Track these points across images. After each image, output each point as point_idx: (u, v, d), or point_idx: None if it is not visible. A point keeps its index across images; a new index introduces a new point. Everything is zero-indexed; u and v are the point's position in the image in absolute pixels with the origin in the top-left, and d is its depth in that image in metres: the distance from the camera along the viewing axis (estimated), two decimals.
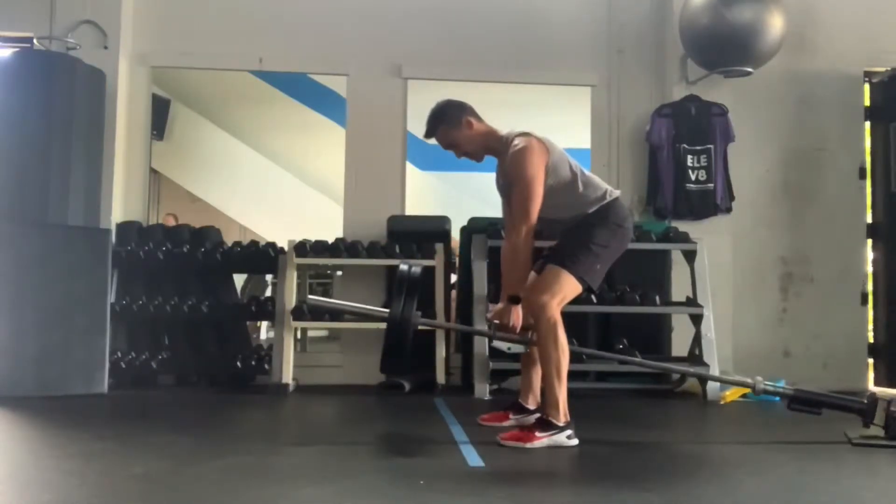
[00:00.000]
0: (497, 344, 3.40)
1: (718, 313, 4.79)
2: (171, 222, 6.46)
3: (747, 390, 4.52)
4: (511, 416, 3.45)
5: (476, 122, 3.37)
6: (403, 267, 3.25)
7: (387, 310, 3.30)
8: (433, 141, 3.44)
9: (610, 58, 5.50)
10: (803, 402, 3.37)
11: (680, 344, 4.94)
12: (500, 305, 3.28)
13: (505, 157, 3.30)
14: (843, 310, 5.35)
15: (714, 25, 4.81)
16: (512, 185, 3.28)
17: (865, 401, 3.31)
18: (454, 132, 3.35)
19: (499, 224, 4.81)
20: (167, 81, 6.36)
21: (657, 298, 4.74)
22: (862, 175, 5.43)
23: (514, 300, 3.21)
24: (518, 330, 3.24)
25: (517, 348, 3.39)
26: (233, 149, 8.15)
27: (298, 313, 4.76)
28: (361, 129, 5.37)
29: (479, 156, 3.43)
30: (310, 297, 3.61)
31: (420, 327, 3.31)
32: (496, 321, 3.27)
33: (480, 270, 4.71)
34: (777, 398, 4.53)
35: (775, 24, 4.85)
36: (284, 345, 4.70)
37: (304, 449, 3.08)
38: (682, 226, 5.04)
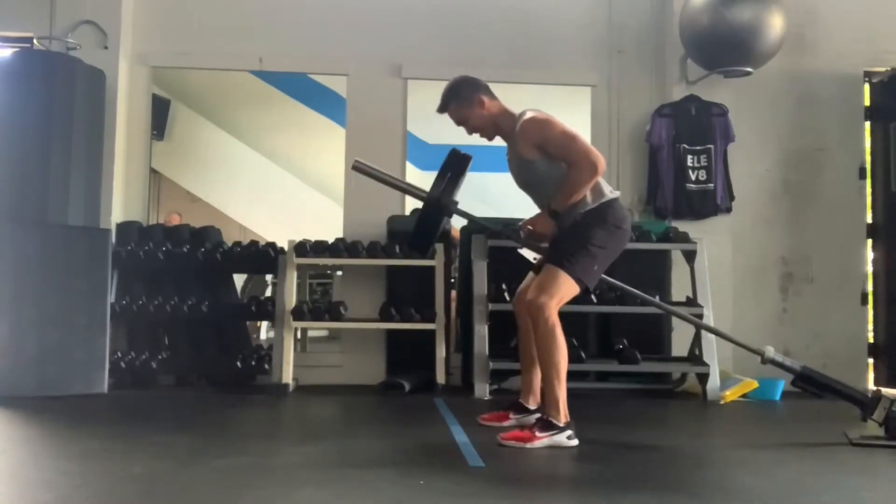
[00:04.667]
0: (524, 252, 3.41)
1: (718, 313, 4.79)
2: (176, 220, 6.44)
3: (747, 390, 4.55)
4: (511, 415, 3.45)
5: (489, 101, 3.36)
6: (455, 150, 3.23)
7: (426, 189, 3.28)
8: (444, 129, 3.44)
9: (610, 58, 5.50)
10: (809, 381, 3.34)
11: (680, 344, 4.94)
12: (537, 215, 3.29)
13: (514, 135, 3.29)
14: (843, 310, 5.35)
15: (714, 25, 4.81)
16: (546, 147, 3.19)
17: (869, 395, 3.30)
18: (465, 109, 3.35)
19: (498, 224, 4.82)
20: (167, 81, 6.35)
21: (657, 298, 4.73)
22: (862, 175, 5.43)
23: (554, 214, 3.21)
24: (548, 240, 3.24)
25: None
26: (233, 149, 8.15)
27: (298, 313, 4.76)
28: (361, 129, 5.37)
29: (490, 134, 3.42)
30: (357, 160, 3.52)
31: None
32: (529, 227, 3.29)
33: (480, 270, 4.71)
34: (777, 397, 4.57)
35: (775, 24, 4.85)
36: (284, 345, 4.70)
37: (304, 449, 3.08)
38: (682, 226, 5.04)
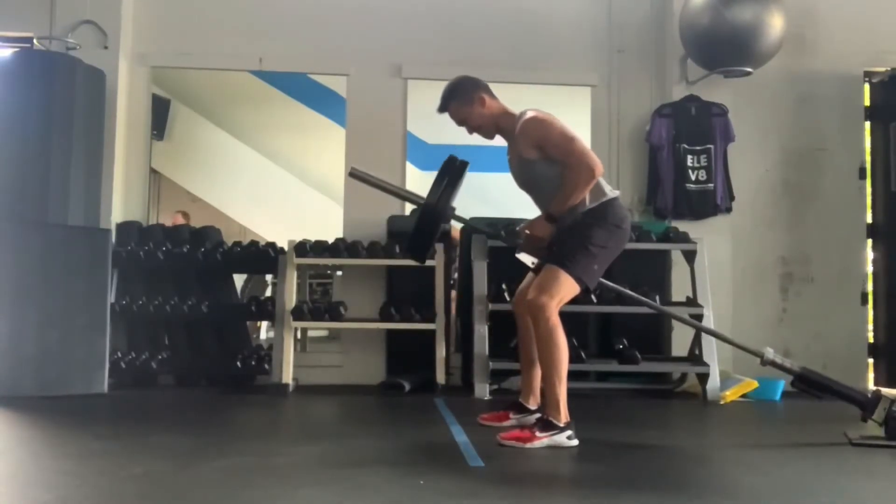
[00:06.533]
0: (521, 256, 3.40)
1: (718, 313, 4.79)
2: (180, 220, 6.43)
3: (747, 390, 4.55)
4: (511, 415, 3.45)
5: (489, 100, 3.37)
6: (453, 157, 3.23)
7: (424, 195, 3.26)
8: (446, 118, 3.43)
9: (610, 58, 5.51)
10: (808, 383, 3.34)
11: (680, 344, 4.94)
12: (535, 219, 3.27)
13: (514, 134, 3.29)
14: (843, 310, 5.35)
15: (714, 25, 4.81)
16: (545, 147, 3.19)
17: (869, 395, 3.30)
18: (466, 108, 3.36)
19: (499, 224, 4.82)
20: (167, 81, 6.34)
21: (657, 298, 4.73)
22: (862, 175, 5.43)
23: (551, 218, 3.20)
24: (546, 245, 3.22)
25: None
26: (233, 149, 8.13)
27: (298, 313, 4.76)
28: (361, 129, 5.37)
29: (490, 133, 3.42)
30: (353, 167, 3.49)
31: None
32: (527, 231, 3.27)
33: (480, 270, 4.71)
34: (777, 397, 4.57)
35: (775, 24, 4.85)
36: (284, 345, 4.70)
37: (304, 449, 3.07)
38: (682, 226, 5.04)
